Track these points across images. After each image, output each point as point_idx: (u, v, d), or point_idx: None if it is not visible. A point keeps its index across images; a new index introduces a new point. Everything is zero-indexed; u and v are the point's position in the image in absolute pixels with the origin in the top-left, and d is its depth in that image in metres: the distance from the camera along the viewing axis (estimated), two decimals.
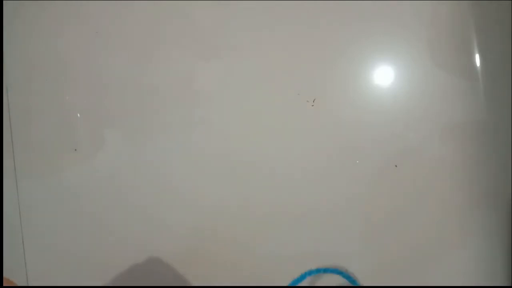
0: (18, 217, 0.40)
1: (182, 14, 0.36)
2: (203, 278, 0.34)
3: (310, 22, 0.33)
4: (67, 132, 0.39)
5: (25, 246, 0.40)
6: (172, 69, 0.37)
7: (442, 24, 0.30)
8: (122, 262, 0.35)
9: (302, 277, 0.31)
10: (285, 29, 0.34)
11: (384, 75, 0.31)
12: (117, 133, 0.38)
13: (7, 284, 0.23)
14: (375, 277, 0.31)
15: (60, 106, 0.39)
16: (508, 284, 0.29)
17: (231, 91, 0.35)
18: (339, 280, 0.32)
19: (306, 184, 0.33)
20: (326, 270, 0.31)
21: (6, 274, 0.40)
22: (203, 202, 0.35)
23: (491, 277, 0.29)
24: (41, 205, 0.40)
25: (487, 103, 0.29)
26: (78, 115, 0.39)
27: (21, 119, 0.41)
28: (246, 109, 0.33)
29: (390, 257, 0.31)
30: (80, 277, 0.38)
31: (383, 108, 0.31)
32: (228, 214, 0.34)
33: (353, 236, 0.31)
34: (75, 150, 0.39)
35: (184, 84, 0.36)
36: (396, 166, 0.31)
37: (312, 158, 0.33)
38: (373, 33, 0.32)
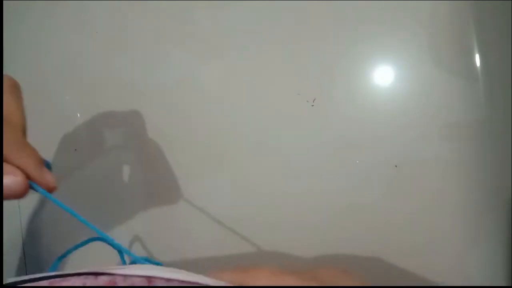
0: (18, 217, 0.40)
1: (183, 14, 0.36)
2: None
3: (310, 22, 0.33)
4: (67, 132, 0.39)
5: (25, 246, 0.40)
6: (172, 69, 0.37)
7: (441, 24, 0.30)
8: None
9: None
10: (285, 29, 0.34)
11: (384, 76, 0.31)
12: (117, 133, 0.38)
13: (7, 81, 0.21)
14: (374, 277, 0.31)
15: (60, 106, 0.39)
16: (508, 284, 0.29)
17: (231, 91, 0.35)
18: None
19: (306, 184, 0.33)
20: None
21: (6, 274, 0.40)
22: (201, 202, 0.35)
23: (491, 277, 0.29)
24: (41, 205, 0.40)
25: (487, 103, 0.29)
26: (78, 115, 0.39)
27: None
28: (246, 109, 0.33)
29: (389, 256, 0.31)
30: None
31: (383, 108, 0.31)
32: (225, 215, 0.34)
33: (353, 236, 0.31)
34: (75, 150, 0.39)
35: (184, 84, 0.36)
36: (396, 166, 0.31)
37: (312, 158, 0.33)
38: (373, 33, 0.32)
